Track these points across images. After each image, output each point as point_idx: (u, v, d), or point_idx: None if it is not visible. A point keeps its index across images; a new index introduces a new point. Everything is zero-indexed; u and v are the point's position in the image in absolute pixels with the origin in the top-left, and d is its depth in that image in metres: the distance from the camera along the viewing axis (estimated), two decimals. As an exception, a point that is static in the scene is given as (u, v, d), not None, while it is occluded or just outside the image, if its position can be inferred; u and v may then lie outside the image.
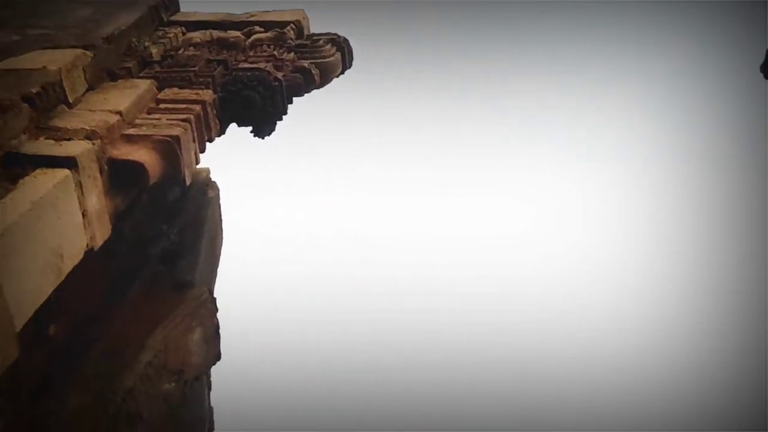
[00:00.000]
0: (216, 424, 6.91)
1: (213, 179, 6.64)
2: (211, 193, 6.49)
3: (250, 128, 5.37)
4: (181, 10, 6.05)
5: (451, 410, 16.50)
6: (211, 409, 6.97)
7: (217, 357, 5.75)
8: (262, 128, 5.29)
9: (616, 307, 16.52)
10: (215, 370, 6.33)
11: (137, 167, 4.32)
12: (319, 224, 18.73)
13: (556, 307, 17.07)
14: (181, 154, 4.51)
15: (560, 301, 17.23)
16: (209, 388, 6.83)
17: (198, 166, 5.74)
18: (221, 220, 6.63)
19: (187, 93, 4.87)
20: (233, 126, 5.29)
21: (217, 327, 5.66)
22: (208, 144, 4.99)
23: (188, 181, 4.69)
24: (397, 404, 16.70)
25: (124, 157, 4.31)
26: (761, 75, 5.50)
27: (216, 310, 5.68)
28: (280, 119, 5.30)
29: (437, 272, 18.01)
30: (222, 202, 6.55)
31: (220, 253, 6.45)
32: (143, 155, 4.36)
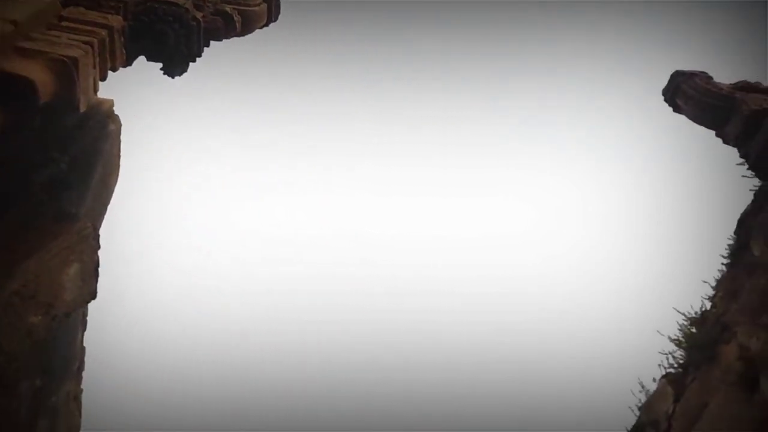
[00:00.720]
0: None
1: (116, 112, 6.32)
2: (112, 127, 6.16)
3: (160, 65, 5.18)
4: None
5: (451, 410, 16.51)
6: (83, 349, 6.70)
7: (93, 295, 5.52)
8: (173, 67, 5.10)
9: (616, 307, 16.53)
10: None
11: (26, 83, 4.07)
12: (319, 224, 18.36)
13: (556, 307, 17.28)
14: (78, 77, 4.27)
15: (560, 301, 17.43)
16: (84, 328, 6.56)
17: (101, 97, 5.47)
18: (119, 156, 6.31)
19: (94, 15, 4.61)
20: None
21: (97, 264, 5.43)
22: (110, 73, 4.76)
23: (83, 108, 4.45)
24: (397, 404, 16.60)
25: (13, 71, 4.04)
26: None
27: (98, 247, 5.45)
28: (194, 61, 5.13)
29: (437, 272, 17.97)
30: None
31: (113, 190, 6.16)
32: (35, 72, 4.10)
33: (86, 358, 6.58)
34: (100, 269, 5.55)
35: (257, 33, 5.80)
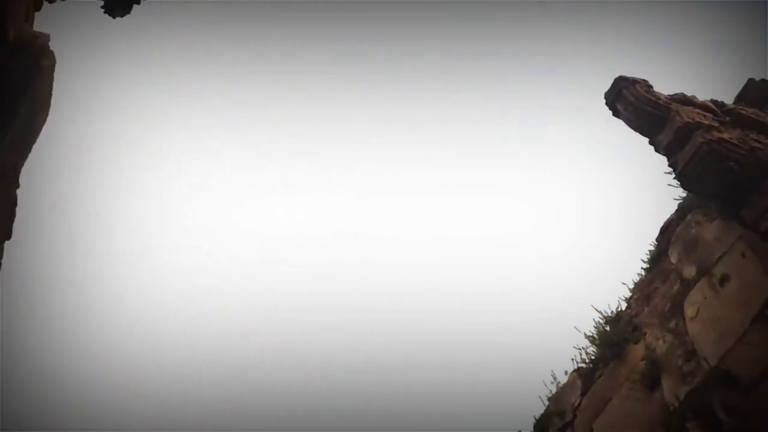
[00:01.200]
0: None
1: (51, 48, 6.00)
2: (45, 63, 5.83)
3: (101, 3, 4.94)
4: None
5: (451, 410, 16.39)
6: (-8, 291, 6.41)
7: (7, 235, 5.26)
8: (115, 5, 4.86)
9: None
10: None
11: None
12: (319, 224, 17.94)
13: (556, 307, 17.32)
14: (8, 4, 4.02)
15: (560, 301, 17.47)
16: (-4, 269, 6.27)
17: (36, 30, 5.21)
18: (51, 95, 6.01)
19: (32, -61, 4.33)
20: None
21: (14, 204, 5.18)
22: (46, 4, 4.51)
23: (11, 36, 4.19)
24: (397, 404, 16.40)
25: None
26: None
27: (17, 185, 5.19)
28: (137, 2, 4.90)
29: (437, 272, 17.74)
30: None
31: (40, 130, 5.86)
32: (-39, -9, 3.84)
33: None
34: (17, 209, 5.30)
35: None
